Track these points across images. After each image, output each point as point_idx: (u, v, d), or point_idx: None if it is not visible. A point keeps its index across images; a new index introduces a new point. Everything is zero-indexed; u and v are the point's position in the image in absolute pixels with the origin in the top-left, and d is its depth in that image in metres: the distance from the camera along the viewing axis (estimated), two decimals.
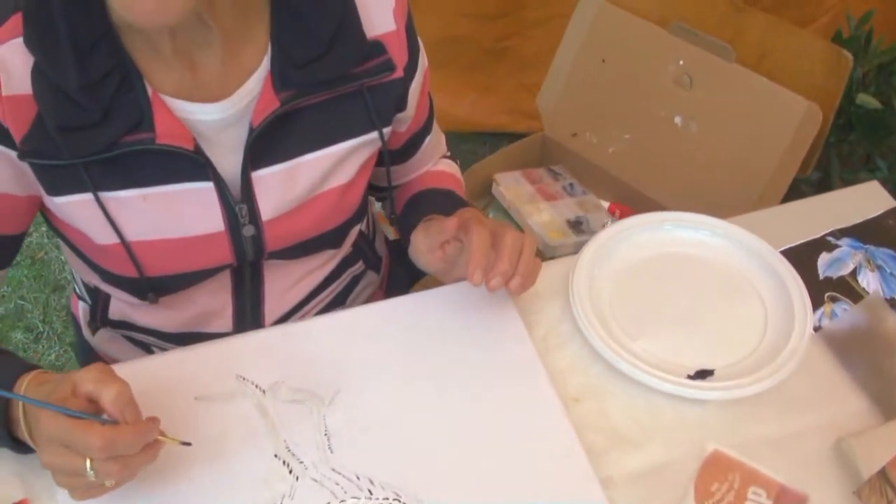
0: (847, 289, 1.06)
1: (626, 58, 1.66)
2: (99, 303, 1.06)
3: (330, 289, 1.11)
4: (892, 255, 1.09)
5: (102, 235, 0.89)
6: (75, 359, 1.65)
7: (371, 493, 0.81)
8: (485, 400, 0.90)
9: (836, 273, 1.07)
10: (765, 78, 1.49)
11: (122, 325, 1.06)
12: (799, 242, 1.10)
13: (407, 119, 1.04)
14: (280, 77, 0.87)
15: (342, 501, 0.81)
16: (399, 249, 1.28)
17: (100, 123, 0.81)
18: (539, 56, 2.15)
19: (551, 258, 1.20)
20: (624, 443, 0.89)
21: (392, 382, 0.91)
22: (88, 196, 0.85)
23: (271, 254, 0.97)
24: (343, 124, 0.93)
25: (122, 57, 0.82)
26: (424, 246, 0.95)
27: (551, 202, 1.68)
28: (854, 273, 1.07)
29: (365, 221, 1.12)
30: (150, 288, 0.94)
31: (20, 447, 0.79)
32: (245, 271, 1.00)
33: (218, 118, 0.87)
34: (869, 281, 1.06)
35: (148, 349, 1.10)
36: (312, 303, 1.09)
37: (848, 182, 1.82)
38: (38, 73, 0.80)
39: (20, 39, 0.79)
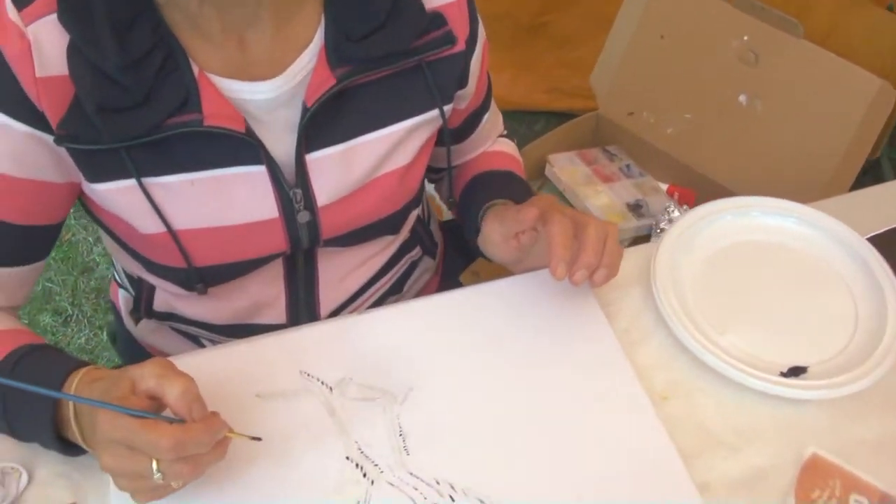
0: None
1: (686, 33, 1.60)
2: (143, 293, 1.01)
3: (387, 277, 1.06)
4: None
5: (147, 224, 0.84)
6: (109, 344, 1.61)
7: (453, 500, 0.75)
8: (569, 398, 0.84)
9: None
10: (834, 55, 1.42)
11: (169, 317, 1.02)
12: (885, 229, 1.05)
13: (467, 96, 1.00)
14: (335, 52, 0.82)
15: None
16: (453, 233, 1.23)
17: (142, 105, 0.76)
18: (579, 32, 2.11)
19: None
20: (718, 446, 0.83)
21: (468, 378, 0.85)
22: (131, 182, 0.80)
23: (327, 241, 0.92)
24: (402, 102, 0.89)
25: (164, 34, 0.77)
26: (499, 235, 0.91)
27: (609, 184, 1.63)
28: None
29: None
30: (199, 279, 0.90)
31: (70, 449, 0.75)
32: (298, 259, 0.95)
33: (269, 97, 0.82)
34: None
35: (196, 341, 1.06)
36: (369, 292, 1.04)
37: None
38: (74, 53, 0.74)
39: (54, 16, 0.74)
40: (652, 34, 1.62)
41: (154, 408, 0.69)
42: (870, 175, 1.91)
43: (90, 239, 2.18)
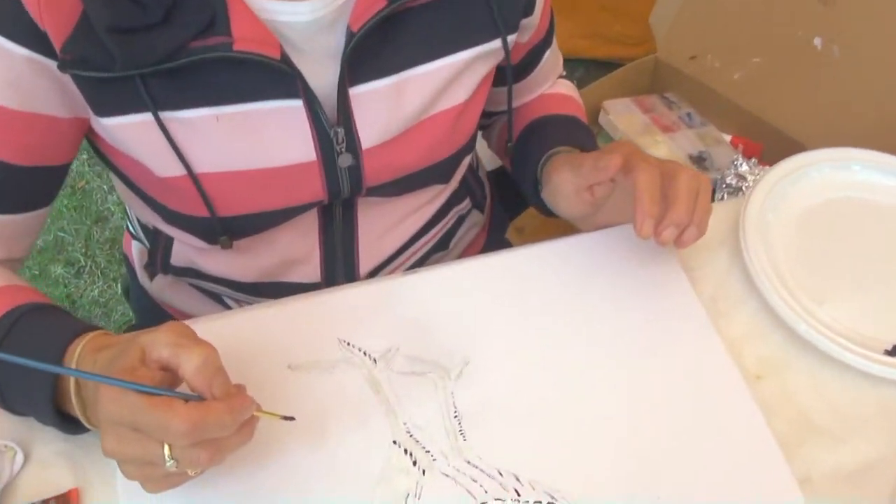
0: None
1: None
2: (159, 246, 0.92)
3: (433, 232, 0.96)
4: None
5: (164, 166, 0.74)
6: (124, 300, 1.53)
7: (518, 494, 0.65)
8: (649, 376, 0.74)
9: None
10: None
11: (188, 273, 0.92)
12: None
13: (532, 26, 0.90)
14: None
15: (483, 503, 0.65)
16: (501, 183, 1.13)
17: (161, 24, 0.67)
18: None
19: None
20: (819, 433, 0.73)
21: (532, 353, 0.75)
22: (147, 116, 0.71)
23: (370, 189, 0.82)
24: (461, 30, 0.79)
25: None
26: (572, 186, 0.81)
27: (668, 134, 1.53)
28: None
29: None
30: (223, 230, 0.80)
31: (71, 426, 0.65)
32: (336, 210, 0.85)
33: (309, 20, 0.72)
34: None
35: (219, 300, 0.96)
36: (413, 248, 0.95)
37: None
38: None
39: None
40: None
41: (167, 381, 0.59)
42: None
43: (104, 187, 2.11)
